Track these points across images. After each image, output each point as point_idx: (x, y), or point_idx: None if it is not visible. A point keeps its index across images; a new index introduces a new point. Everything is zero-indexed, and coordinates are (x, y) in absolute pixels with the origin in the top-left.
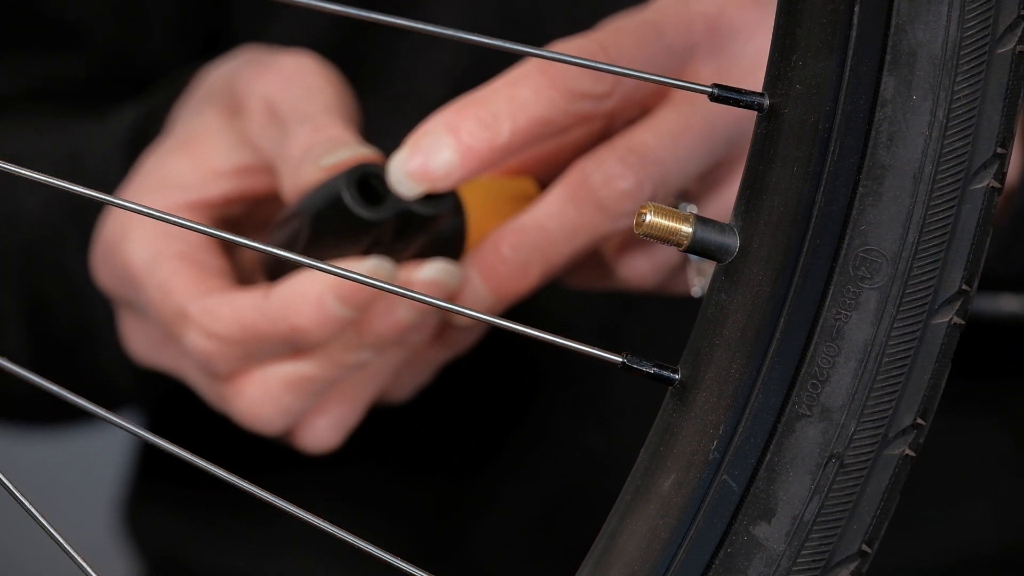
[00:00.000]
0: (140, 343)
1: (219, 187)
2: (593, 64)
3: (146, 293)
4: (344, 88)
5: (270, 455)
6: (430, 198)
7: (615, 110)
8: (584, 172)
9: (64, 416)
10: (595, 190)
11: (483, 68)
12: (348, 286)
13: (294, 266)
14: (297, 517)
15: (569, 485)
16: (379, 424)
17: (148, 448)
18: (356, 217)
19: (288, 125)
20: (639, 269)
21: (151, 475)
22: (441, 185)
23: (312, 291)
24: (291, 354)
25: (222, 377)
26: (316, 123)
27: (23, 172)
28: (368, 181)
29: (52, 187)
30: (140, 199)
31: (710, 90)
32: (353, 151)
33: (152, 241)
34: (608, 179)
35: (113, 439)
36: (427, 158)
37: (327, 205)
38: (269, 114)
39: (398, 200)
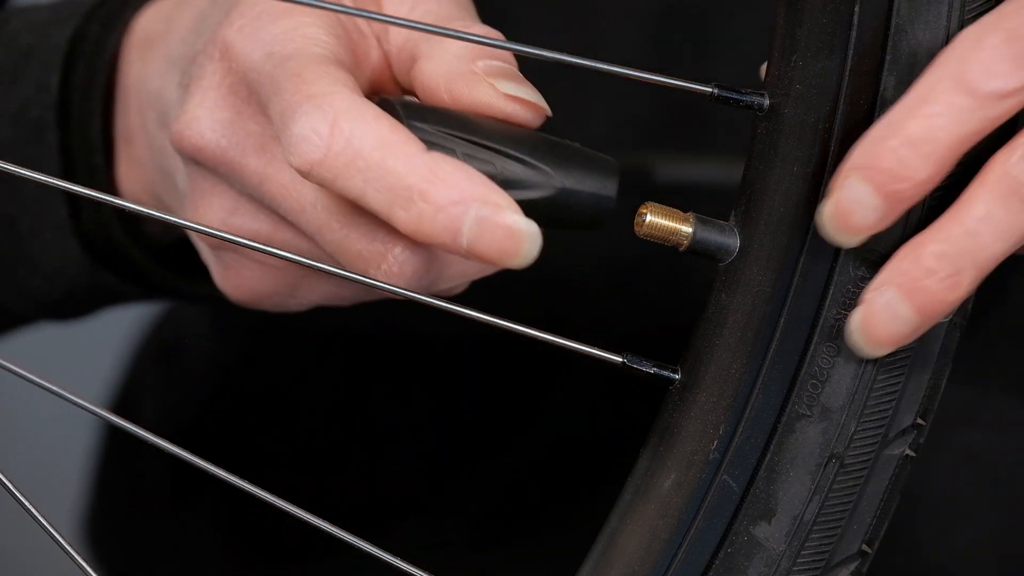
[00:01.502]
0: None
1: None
2: (599, 65)
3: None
4: None
5: (273, 459)
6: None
7: None
8: (1006, 167)
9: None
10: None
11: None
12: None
13: None
14: (298, 517)
15: (572, 487)
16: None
17: (115, 461)
18: (597, 212)
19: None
20: None
21: (119, 487)
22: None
23: (473, 180)
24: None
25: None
26: (467, 24)
27: (23, 172)
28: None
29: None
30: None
31: (710, 90)
32: (536, 100)
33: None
34: None
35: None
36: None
37: (583, 186)
38: None
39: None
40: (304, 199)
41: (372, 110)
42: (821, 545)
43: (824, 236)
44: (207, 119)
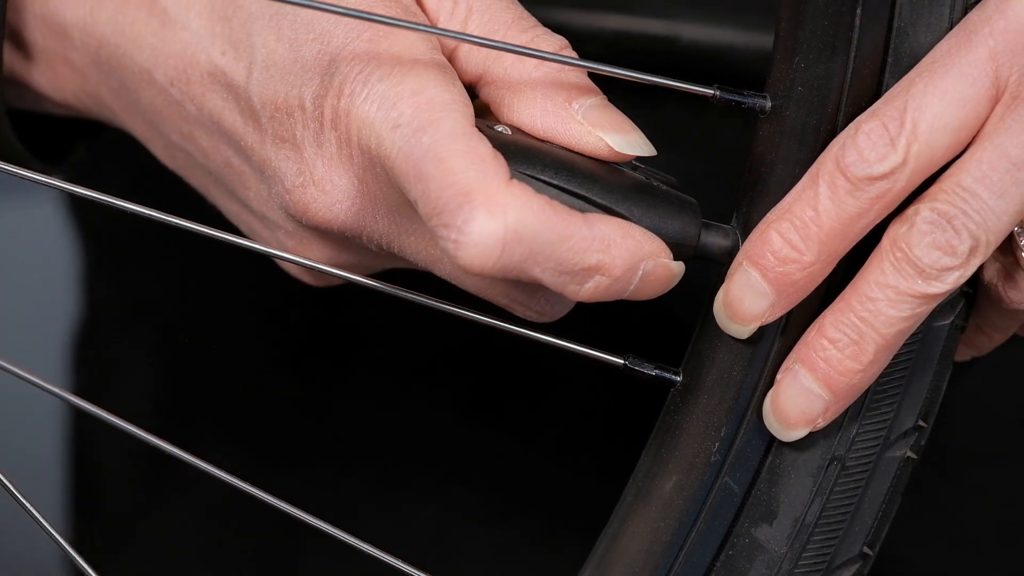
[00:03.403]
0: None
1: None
2: (601, 68)
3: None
4: None
5: (273, 461)
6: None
7: (915, 177)
8: (896, 236)
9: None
10: (910, 250)
11: None
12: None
13: None
14: (298, 519)
15: (577, 493)
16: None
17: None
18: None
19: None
20: None
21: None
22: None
23: (637, 240)
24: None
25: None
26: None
27: (26, 175)
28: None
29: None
30: None
31: (712, 92)
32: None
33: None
34: (920, 237)
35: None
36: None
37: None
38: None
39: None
40: (439, 252)
41: (532, 196)
42: (823, 547)
43: (718, 324)
44: (333, 194)
